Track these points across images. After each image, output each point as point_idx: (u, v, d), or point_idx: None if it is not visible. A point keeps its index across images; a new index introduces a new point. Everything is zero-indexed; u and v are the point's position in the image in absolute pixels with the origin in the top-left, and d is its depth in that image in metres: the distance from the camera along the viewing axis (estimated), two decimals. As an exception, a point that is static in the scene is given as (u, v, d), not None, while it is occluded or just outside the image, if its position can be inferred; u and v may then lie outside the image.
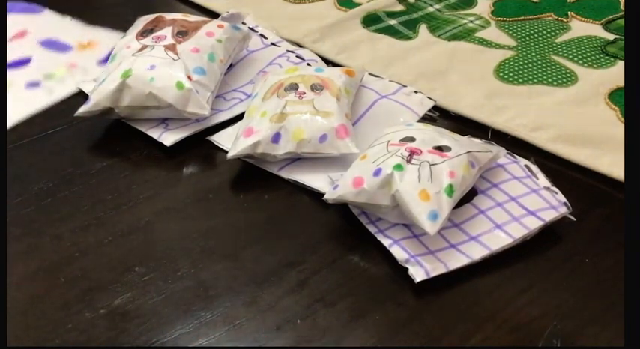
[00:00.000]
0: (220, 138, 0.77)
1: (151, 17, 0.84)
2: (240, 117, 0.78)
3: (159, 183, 0.72)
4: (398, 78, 0.86)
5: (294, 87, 0.74)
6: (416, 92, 0.82)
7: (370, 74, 0.85)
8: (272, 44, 0.95)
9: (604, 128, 0.78)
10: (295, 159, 0.73)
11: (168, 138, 0.75)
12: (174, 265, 0.62)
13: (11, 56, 0.88)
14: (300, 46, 0.96)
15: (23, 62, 0.87)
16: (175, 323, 0.56)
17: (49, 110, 0.83)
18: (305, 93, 0.73)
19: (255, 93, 0.77)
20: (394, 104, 0.81)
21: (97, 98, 0.75)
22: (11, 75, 0.85)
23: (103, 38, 0.94)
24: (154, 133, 0.76)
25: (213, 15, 1.05)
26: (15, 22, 0.95)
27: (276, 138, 0.70)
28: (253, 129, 0.70)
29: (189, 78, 0.74)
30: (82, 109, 0.76)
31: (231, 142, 0.74)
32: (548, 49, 0.95)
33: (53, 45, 0.89)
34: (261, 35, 0.96)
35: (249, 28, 0.94)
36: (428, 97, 0.82)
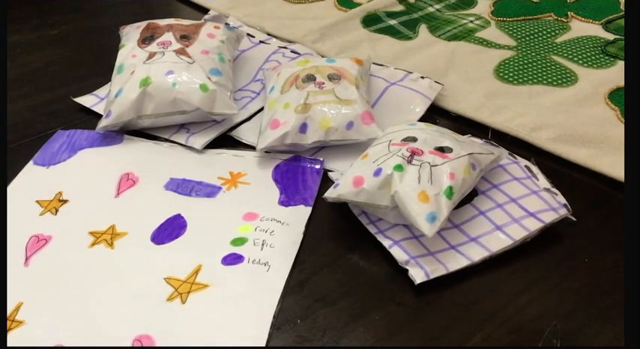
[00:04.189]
0: (242, 133, 0.78)
1: (142, 24, 0.83)
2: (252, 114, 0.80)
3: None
4: (398, 78, 0.86)
5: (311, 78, 0.75)
6: (422, 77, 0.83)
7: (375, 63, 0.86)
8: (261, 42, 0.96)
9: (604, 128, 0.78)
10: (321, 148, 0.75)
11: (197, 141, 0.75)
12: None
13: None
14: (290, 42, 0.97)
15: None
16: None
17: (50, 110, 0.83)
18: (324, 83, 0.74)
19: (271, 87, 0.77)
20: (405, 90, 0.82)
21: (119, 110, 0.73)
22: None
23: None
24: (179, 139, 0.76)
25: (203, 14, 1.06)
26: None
27: (303, 128, 0.71)
28: (279, 121, 0.71)
29: (209, 79, 0.74)
30: (103, 123, 0.74)
31: (253, 136, 0.76)
32: (548, 49, 0.95)
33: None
34: (249, 34, 0.97)
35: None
36: (435, 82, 0.83)
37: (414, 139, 0.63)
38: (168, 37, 0.80)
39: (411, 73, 0.84)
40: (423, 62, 0.92)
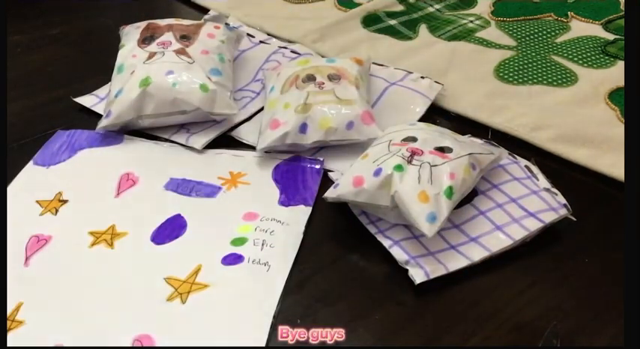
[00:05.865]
0: (242, 133, 0.78)
1: (142, 24, 0.83)
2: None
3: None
4: (398, 78, 0.86)
5: (311, 78, 0.75)
6: (422, 77, 0.83)
7: (375, 63, 0.86)
8: (261, 42, 0.95)
9: (604, 128, 0.78)
10: (321, 148, 0.74)
11: (198, 141, 0.75)
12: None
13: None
14: (290, 42, 0.97)
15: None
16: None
17: (50, 110, 0.83)
18: (324, 83, 0.74)
19: (271, 87, 0.77)
20: (405, 90, 0.82)
21: (119, 110, 0.73)
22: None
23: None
24: (179, 139, 0.76)
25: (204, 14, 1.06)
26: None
27: (303, 128, 0.71)
28: (279, 121, 0.71)
29: (209, 79, 0.74)
30: (103, 123, 0.74)
31: (253, 136, 0.76)
32: (548, 49, 0.95)
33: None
34: (249, 34, 0.96)
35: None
36: (435, 82, 0.83)
37: (414, 139, 0.63)
38: (168, 37, 0.80)
39: (411, 73, 0.84)
40: (423, 62, 0.92)
